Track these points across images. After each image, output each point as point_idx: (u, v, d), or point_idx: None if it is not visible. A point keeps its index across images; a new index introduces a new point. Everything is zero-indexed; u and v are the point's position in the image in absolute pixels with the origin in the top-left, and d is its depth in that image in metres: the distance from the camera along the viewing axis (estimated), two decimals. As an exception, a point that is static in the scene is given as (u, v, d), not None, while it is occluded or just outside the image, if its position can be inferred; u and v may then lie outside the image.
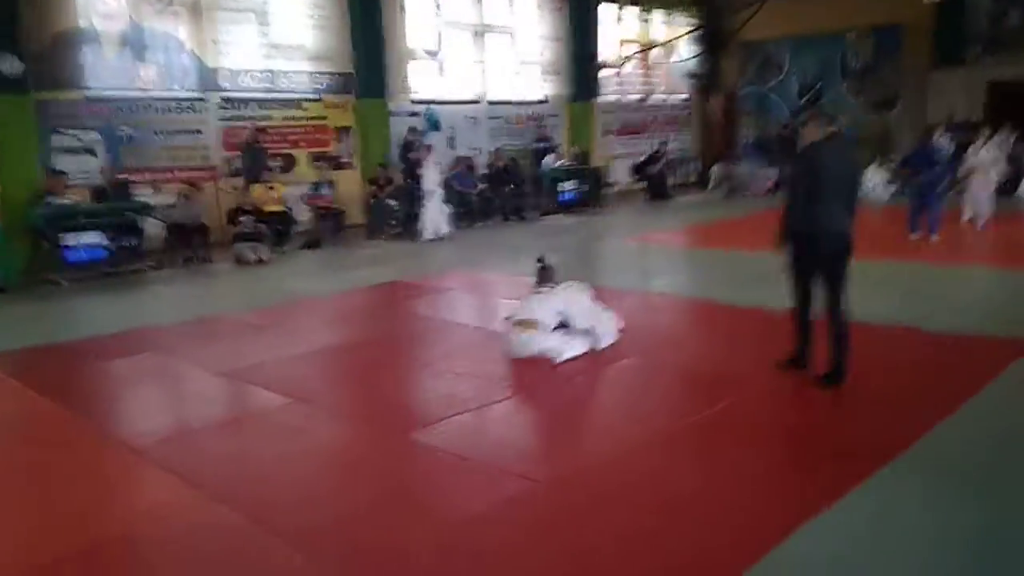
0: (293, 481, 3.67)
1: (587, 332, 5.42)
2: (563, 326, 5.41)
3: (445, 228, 11.83)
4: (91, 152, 10.60)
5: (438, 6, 14.26)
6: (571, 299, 5.54)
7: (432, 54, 14.37)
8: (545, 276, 5.74)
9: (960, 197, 11.11)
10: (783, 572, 2.73)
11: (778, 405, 4.54)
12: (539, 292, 5.59)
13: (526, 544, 3.01)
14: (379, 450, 4.10)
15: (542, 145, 15.26)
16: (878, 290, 7.11)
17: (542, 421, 4.57)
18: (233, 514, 3.31)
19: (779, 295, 6.05)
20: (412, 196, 12.26)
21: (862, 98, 17.46)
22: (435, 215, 11.70)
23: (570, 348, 5.30)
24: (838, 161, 4.58)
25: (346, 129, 13.16)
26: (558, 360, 5.19)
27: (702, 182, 18.87)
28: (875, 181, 15.76)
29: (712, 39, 19.16)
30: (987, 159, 10.77)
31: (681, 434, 4.06)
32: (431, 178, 11.73)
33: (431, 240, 11.45)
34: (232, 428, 4.46)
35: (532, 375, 5.11)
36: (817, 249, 4.56)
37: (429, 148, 12.27)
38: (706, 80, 19.17)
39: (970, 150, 11.02)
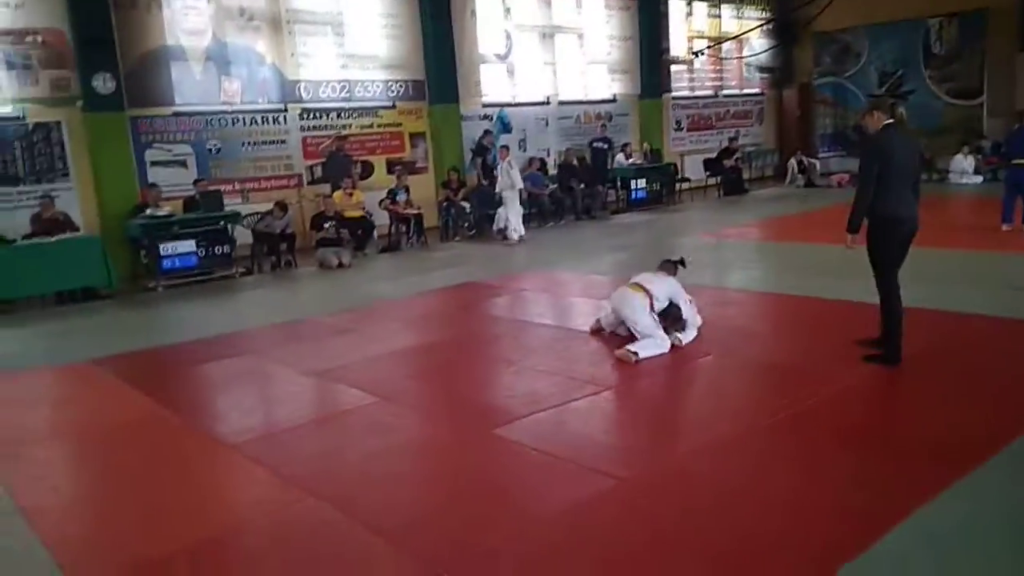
0: (381, 476, 3.83)
1: (683, 321, 5.63)
2: (663, 314, 5.59)
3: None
4: (182, 164, 11.18)
5: (508, 9, 14.41)
6: (681, 290, 5.74)
7: (502, 57, 14.54)
8: (668, 268, 5.94)
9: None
10: (877, 572, 2.71)
11: (865, 400, 4.48)
12: (657, 273, 5.84)
13: (608, 541, 3.06)
14: (463, 446, 4.23)
15: (601, 145, 15.02)
16: (971, 282, 6.90)
17: (624, 418, 4.62)
18: (325, 508, 3.47)
19: (858, 287, 5.97)
20: (485, 198, 12.44)
21: (947, 85, 16.78)
22: (516, 216, 11.77)
23: (652, 347, 5.36)
24: (905, 148, 4.77)
25: (420, 135, 13.46)
26: (636, 359, 5.25)
27: (779, 175, 18.50)
28: (962, 169, 15.20)
29: (784, 31, 18.77)
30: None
31: (767, 431, 4.04)
32: (513, 179, 11.74)
33: (514, 242, 11.54)
34: (322, 426, 4.66)
35: (614, 372, 5.17)
36: (902, 235, 4.72)
37: (506, 149, 12.32)
38: (779, 72, 18.79)
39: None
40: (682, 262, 6.03)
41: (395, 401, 4.91)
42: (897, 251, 4.77)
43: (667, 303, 5.63)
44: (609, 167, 14.95)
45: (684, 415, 4.58)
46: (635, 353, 5.27)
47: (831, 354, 5.15)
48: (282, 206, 10.75)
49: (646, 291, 5.57)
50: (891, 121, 4.75)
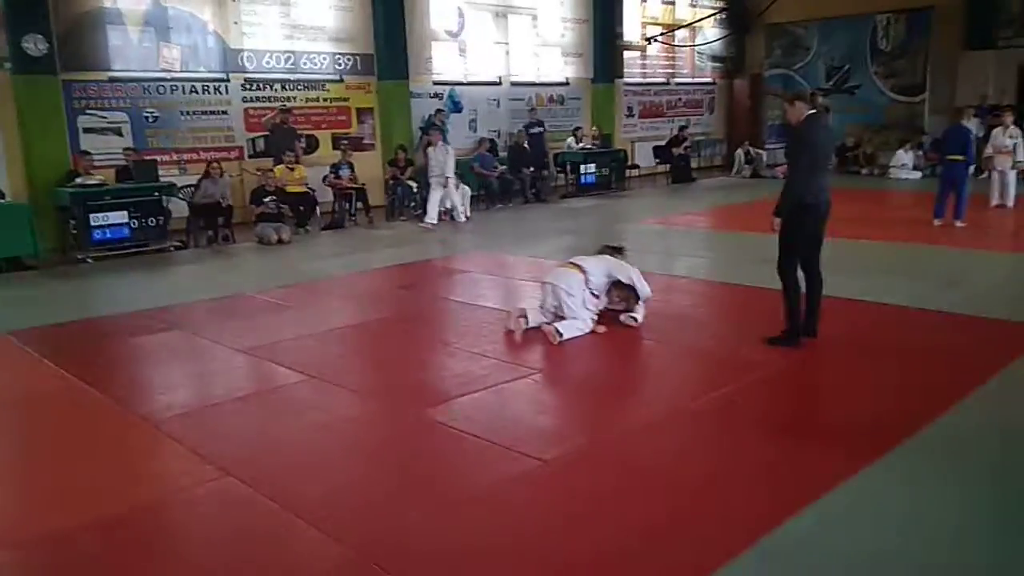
0: (305, 454, 3.75)
1: (634, 297, 5.66)
2: (595, 295, 5.58)
3: (463, 211, 11.85)
4: (117, 132, 10.78)
5: (461, -14, 14.22)
6: (624, 266, 5.75)
7: (454, 35, 14.35)
8: (610, 251, 5.92)
9: (988, 182, 10.95)
10: (783, 555, 2.73)
11: (790, 386, 4.55)
12: (598, 255, 5.84)
13: (524, 520, 3.05)
14: (391, 426, 4.17)
15: (537, 130, 14.59)
16: (897, 274, 7.07)
17: (554, 401, 4.60)
18: (241, 487, 3.39)
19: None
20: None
21: (891, 81, 17.15)
22: (435, 201, 11.23)
23: (573, 328, 5.38)
24: (826, 136, 5.12)
25: (368, 110, 13.22)
26: (559, 339, 5.27)
27: (727, 165, 18.73)
28: (903, 164, 15.57)
29: (737, 21, 18.96)
30: (1009, 142, 10.55)
31: (692, 415, 4.07)
32: (438, 162, 11.25)
33: (430, 228, 11.06)
34: (249, 403, 4.54)
35: (549, 356, 5.15)
36: (822, 217, 4.97)
37: (438, 131, 11.79)
38: (731, 63, 18.97)
39: (994, 132, 10.83)
40: (621, 250, 6.02)
41: (325, 380, 4.81)
42: (811, 233, 4.98)
43: (604, 279, 5.63)
44: (544, 152, 14.74)
45: (613, 399, 4.58)
46: (559, 333, 5.28)
47: (764, 341, 5.21)
48: (210, 173, 10.42)
49: (580, 268, 5.57)
50: (813, 112, 4.95)
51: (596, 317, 5.58)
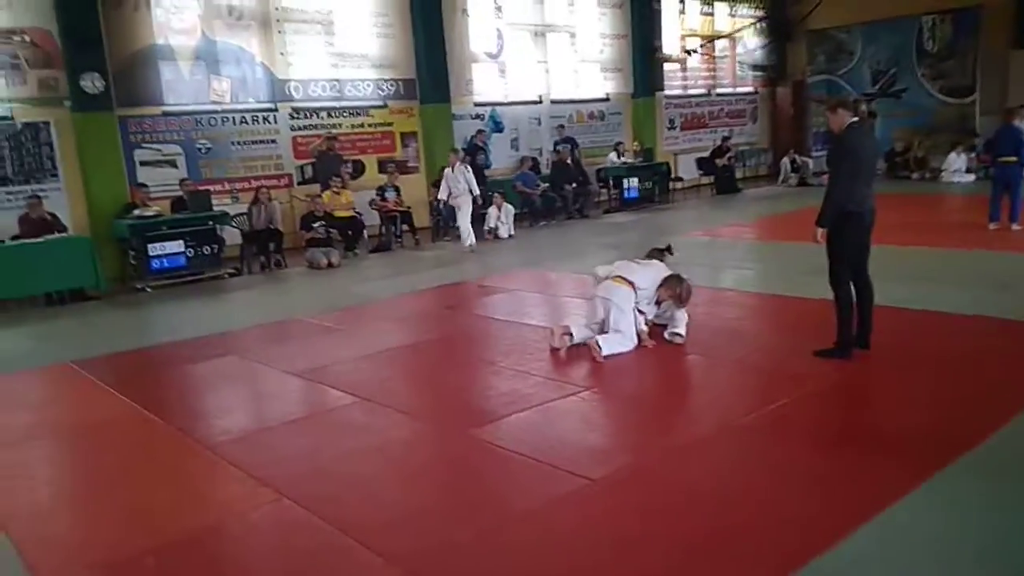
0: (356, 476, 3.82)
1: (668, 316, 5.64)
2: (642, 312, 5.59)
3: (507, 229, 11.94)
4: (172, 164, 11.17)
5: (499, 8, 14.41)
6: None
7: (494, 56, 14.53)
8: (655, 256, 5.94)
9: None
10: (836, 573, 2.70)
11: (842, 400, 4.48)
12: (643, 262, 5.84)
13: (575, 540, 3.06)
14: (441, 446, 4.23)
15: (564, 146, 14.54)
16: (949, 280, 6.90)
17: (601, 419, 4.60)
18: (297, 509, 3.47)
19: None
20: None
21: (939, 83, 16.78)
22: (465, 223, 11.03)
23: (617, 344, 5.39)
24: (870, 144, 5.01)
25: (411, 134, 13.45)
26: (601, 355, 5.29)
27: (772, 174, 18.51)
28: (955, 168, 15.21)
29: (778, 28, 18.78)
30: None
31: (742, 430, 4.04)
32: (468, 183, 10.98)
33: (466, 250, 10.94)
34: (302, 426, 4.64)
35: (594, 373, 5.16)
36: (867, 226, 4.93)
37: (455, 154, 11.47)
38: (773, 70, 18.78)
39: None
40: (669, 249, 6.03)
41: (376, 401, 4.90)
42: (857, 242, 4.91)
43: (652, 286, 5.60)
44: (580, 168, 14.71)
45: (660, 415, 4.57)
46: (599, 347, 5.31)
47: (814, 354, 5.14)
48: (256, 199, 10.70)
49: (628, 282, 5.57)
50: (856, 119, 4.86)
51: (647, 329, 5.57)
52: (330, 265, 10.26)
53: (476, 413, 4.60)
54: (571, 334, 5.62)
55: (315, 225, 10.52)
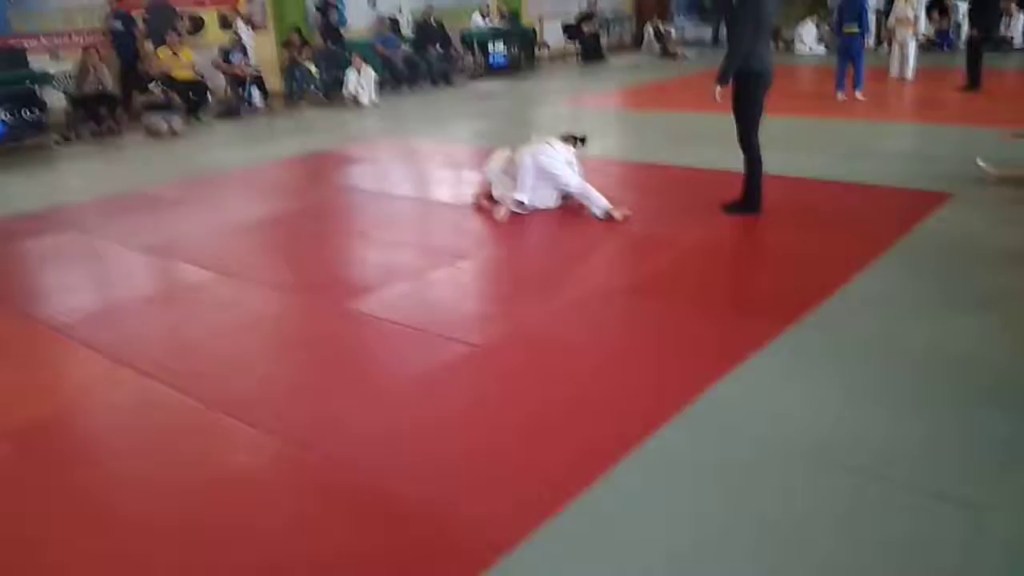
0: (224, 353, 3.60)
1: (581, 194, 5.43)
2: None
3: (368, 96, 11.34)
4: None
5: None
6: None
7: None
8: (573, 141, 5.66)
9: (888, 53, 11.20)
10: (694, 427, 2.82)
11: (709, 262, 4.62)
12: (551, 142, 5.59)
13: (452, 404, 3.04)
14: (313, 319, 4.05)
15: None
16: (801, 147, 7.22)
17: (479, 287, 4.54)
18: (160, 387, 3.25)
19: (713, 154, 6.09)
20: (332, 60, 11.63)
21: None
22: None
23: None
24: (771, 2, 4.91)
25: (257, -15, 12.23)
26: (519, 208, 5.29)
27: (637, 43, 18.45)
28: (808, 39, 15.68)
29: None
30: (910, 13, 10.73)
31: (618, 292, 4.11)
32: None
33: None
34: (156, 304, 4.32)
35: (474, 243, 5.06)
36: (767, 85, 4.96)
37: None
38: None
39: (896, 3, 10.98)
40: (583, 140, 5.75)
41: (238, 276, 4.61)
42: (761, 102, 4.99)
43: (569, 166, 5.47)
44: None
45: (535, 283, 4.55)
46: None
47: (682, 219, 5.26)
48: (88, 61, 9.50)
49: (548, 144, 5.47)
50: None
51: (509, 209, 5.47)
52: (172, 132, 9.38)
53: (350, 285, 4.43)
54: (521, 203, 5.41)
55: (151, 87, 9.50)
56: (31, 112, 8.90)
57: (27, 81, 8.90)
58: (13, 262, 5.27)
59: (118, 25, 10.36)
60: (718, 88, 4.95)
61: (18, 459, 2.84)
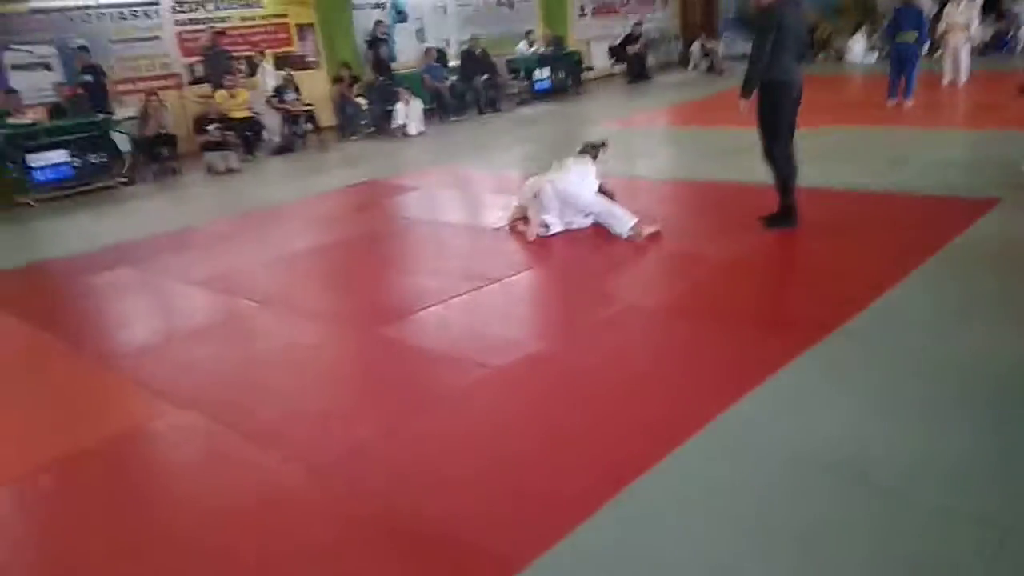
0: (258, 382, 3.73)
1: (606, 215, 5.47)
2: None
3: (417, 126, 11.59)
4: (46, 67, 10.26)
5: None
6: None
7: (393, -60, 13.68)
8: (588, 152, 5.77)
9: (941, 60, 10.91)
10: (718, 443, 2.79)
11: (740, 278, 4.56)
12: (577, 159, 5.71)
13: (469, 426, 3.09)
14: (344, 346, 4.16)
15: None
16: (845, 158, 7.07)
17: (509, 310, 4.56)
18: (195, 416, 3.38)
19: (751, 168, 6.02)
20: (382, 93, 11.95)
21: (845, -38, 16.74)
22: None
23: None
24: (796, 17, 4.93)
25: (308, 26, 12.69)
26: (548, 232, 5.37)
27: (683, 61, 18.39)
28: (857, 48, 15.40)
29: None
30: (962, 18, 10.44)
31: (647, 311, 4.10)
32: None
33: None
34: (202, 336, 4.49)
35: (503, 266, 5.11)
36: (796, 98, 4.96)
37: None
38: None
39: (947, 9, 10.70)
40: (604, 144, 5.88)
41: (280, 306, 4.77)
42: (791, 113, 4.97)
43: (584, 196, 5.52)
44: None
45: (566, 303, 4.58)
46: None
47: (722, 234, 5.21)
48: (149, 104, 9.98)
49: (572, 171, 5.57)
50: None
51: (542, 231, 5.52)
52: (229, 170, 9.77)
53: (382, 312, 4.53)
54: (547, 225, 5.52)
55: (209, 128, 9.93)
56: (98, 156, 9.39)
57: (94, 127, 9.39)
58: (69, 297, 5.56)
59: (88, 78, 10.11)
60: (743, 101, 4.94)
61: (59, 487, 3.00)
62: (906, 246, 4.59)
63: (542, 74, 14.43)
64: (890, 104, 9.53)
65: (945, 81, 10.65)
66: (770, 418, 2.89)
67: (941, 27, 10.79)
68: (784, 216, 5.12)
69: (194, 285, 5.38)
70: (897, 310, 3.73)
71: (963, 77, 10.54)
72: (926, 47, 9.79)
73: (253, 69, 11.68)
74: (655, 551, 2.23)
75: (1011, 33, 14.36)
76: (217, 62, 11.04)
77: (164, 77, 11.21)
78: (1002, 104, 9.24)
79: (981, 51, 13.11)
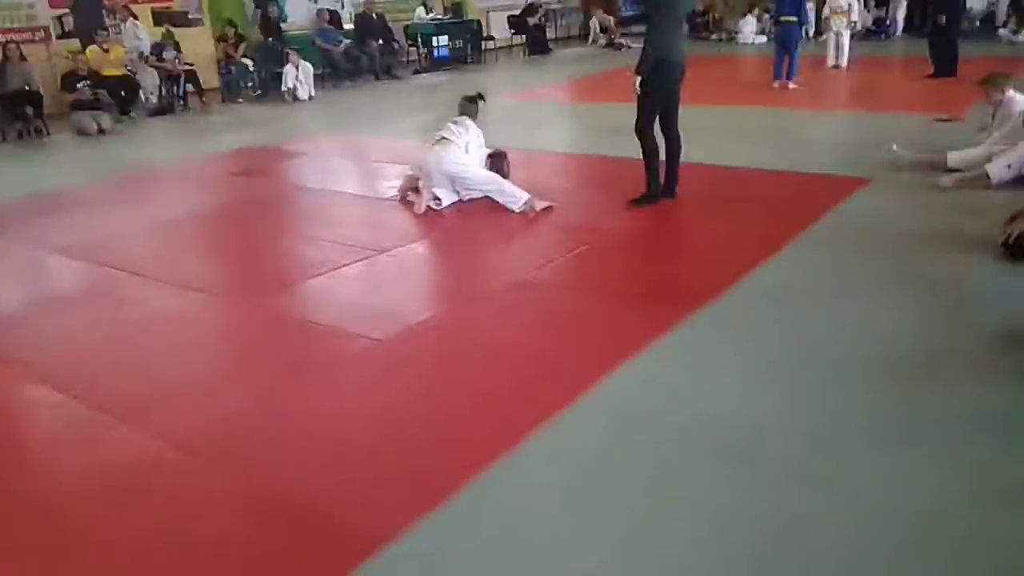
0: (127, 355, 3.51)
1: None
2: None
3: (307, 90, 11.18)
4: None
5: None
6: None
7: None
8: (468, 107, 5.69)
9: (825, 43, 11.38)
10: (591, 412, 2.82)
11: (623, 252, 4.63)
12: (461, 120, 5.61)
13: (351, 399, 3.02)
14: (223, 317, 3.98)
15: None
16: (731, 136, 7.28)
17: (396, 282, 4.47)
18: (53, 393, 3.15)
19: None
20: (269, 55, 11.45)
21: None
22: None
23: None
24: None
25: (191, -21, 11.98)
26: (440, 206, 5.30)
27: (583, 35, 18.48)
28: (748, 29, 15.85)
29: None
30: (844, 3, 10.92)
31: (519, 287, 4.06)
32: None
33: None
34: (63, 307, 4.19)
35: (393, 237, 4.99)
36: (677, 76, 5.02)
37: None
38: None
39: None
40: (481, 96, 5.82)
41: (153, 274, 4.50)
42: (668, 90, 5.03)
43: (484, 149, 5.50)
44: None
45: (452, 274, 4.53)
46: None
47: (612, 207, 5.25)
48: (7, 57, 9.17)
49: (456, 144, 5.42)
50: None
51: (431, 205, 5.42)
52: (101, 131, 9.12)
53: (267, 282, 4.35)
54: (439, 199, 5.38)
55: (79, 86, 9.24)
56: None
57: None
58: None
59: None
60: (638, 79, 4.96)
61: None
62: (780, 222, 4.75)
63: (440, 42, 14.18)
64: (775, 85, 9.87)
65: (829, 64, 11.11)
66: (639, 389, 2.94)
67: (825, 11, 11.26)
68: (646, 194, 5.17)
69: (58, 253, 5.01)
70: (767, 285, 3.86)
71: (845, 60, 11.02)
72: (809, 31, 10.18)
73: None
74: (514, 532, 2.21)
75: (890, 18, 15.14)
76: (88, 14, 10.26)
77: (29, 30, 10.32)
78: (882, 87, 9.73)
79: (863, 36, 13.76)
